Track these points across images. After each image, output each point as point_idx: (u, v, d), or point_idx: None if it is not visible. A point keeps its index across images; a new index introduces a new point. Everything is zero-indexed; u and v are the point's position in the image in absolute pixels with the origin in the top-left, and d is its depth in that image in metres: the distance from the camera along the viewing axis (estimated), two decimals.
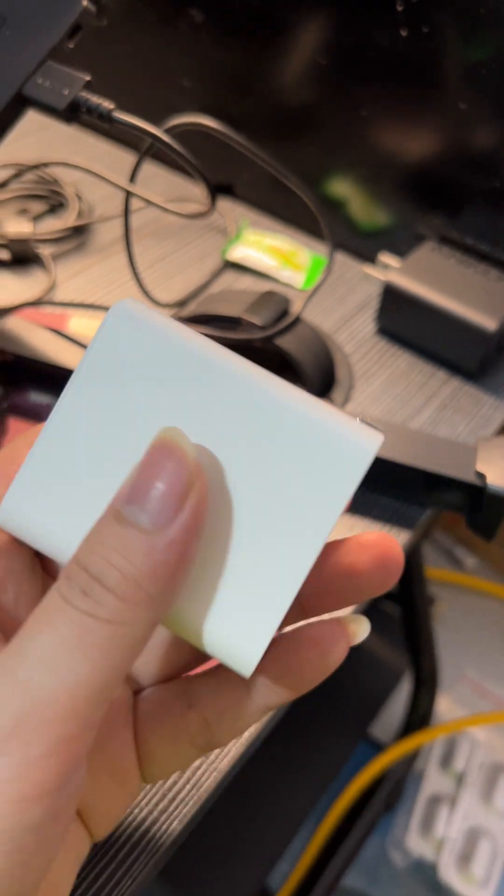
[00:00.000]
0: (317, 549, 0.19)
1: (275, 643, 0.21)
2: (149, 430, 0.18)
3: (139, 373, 0.19)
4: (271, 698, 0.22)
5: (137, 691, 0.24)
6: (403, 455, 0.40)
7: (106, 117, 0.38)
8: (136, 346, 0.19)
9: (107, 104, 0.38)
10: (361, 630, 0.21)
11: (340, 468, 0.19)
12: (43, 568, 0.23)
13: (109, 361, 0.19)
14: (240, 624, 0.19)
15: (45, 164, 0.54)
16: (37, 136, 0.65)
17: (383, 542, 0.21)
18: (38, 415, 0.44)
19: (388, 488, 0.42)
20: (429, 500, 0.42)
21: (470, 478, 0.40)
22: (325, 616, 0.22)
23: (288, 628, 0.22)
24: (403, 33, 0.48)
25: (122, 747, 0.23)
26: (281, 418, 0.19)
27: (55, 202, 0.58)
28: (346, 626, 0.21)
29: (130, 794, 0.24)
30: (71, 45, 0.40)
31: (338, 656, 0.21)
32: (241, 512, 0.19)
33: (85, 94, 0.38)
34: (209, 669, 0.23)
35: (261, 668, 0.21)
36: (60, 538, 0.20)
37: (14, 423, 0.43)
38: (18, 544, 0.21)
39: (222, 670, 0.22)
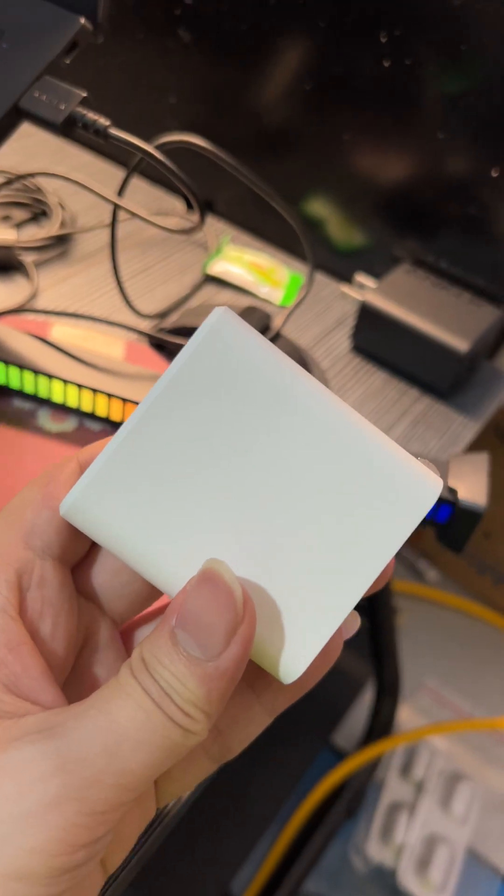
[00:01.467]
0: (372, 578, 0.20)
1: None
2: (231, 449, 0.19)
3: (230, 386, 0.19)
4: (278, 701, 0.23)
5: (124, 631, 0.24)
6: None
7: (102, 133, 0.39)
8: (231, 357, 0.19)
9: (103, 120, 0.39)
10: (354, 624, 0.22)
11: (407, 506, 0.20)
12: (80, 594, 0.23)
13: (203, 370, 0.19)
14: (292, 637, 0.21)
15: (33, 174, 0.55)
16: (19, 143, 0.65)
17: None
18: (21, 420, 0.44)
19: None
20: None
21: (443, 493, 0.42)
22: None
23: None
24: (386, 64, 0.50)
25: None
26: (357, 451, 0.20)
27: (38, 210, 0.59)
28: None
29: (146, 818, 0.24)
30: (68, 61, 0.41)
31: (335, 651, 0.22)
32: (305, 533, 0.20)
33: (81, 110, 0.39)
34: None
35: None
36: (130, 541, 0.20)
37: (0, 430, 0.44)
38: (58, 576, 0.21)
39: None
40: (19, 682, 0.20)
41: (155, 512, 0.20)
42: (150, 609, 0.25)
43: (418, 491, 0.20)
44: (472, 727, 0.81)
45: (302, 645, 0.21)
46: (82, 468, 0.22)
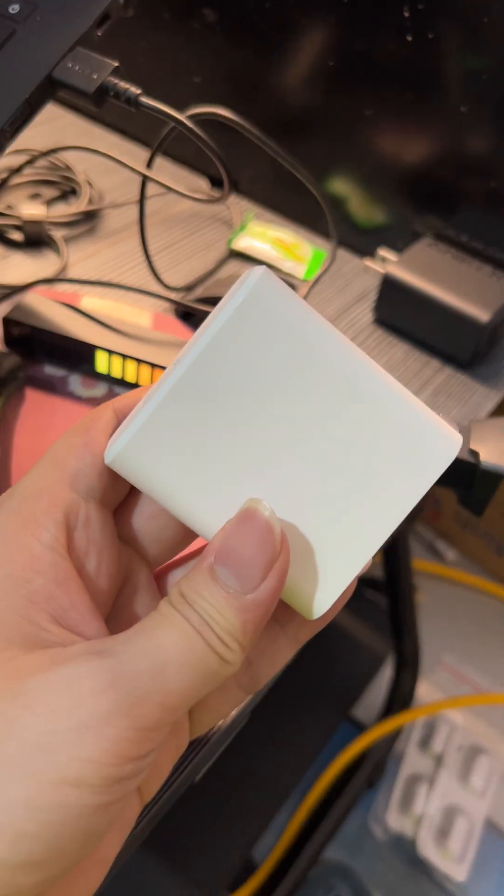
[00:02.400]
0: (394, 526, 0.22)
1: None
2: (268, 401, 0.20)
3: (270, 341, 0.20)
4: (301, 633, 0.25)
5: (157, 574, 0.26)
6: None
7: (133, 102, 0.40)
8: (273, 314, 0.20)
9: (134, 89, 0.40)
10: (368, 564, 0.23)
11: (429, 459, 0.22)
12: (121, 539, 0.24)
13: (245, 326, 0.20)
14: (319, 577, 0.22)
15: (60, 149, 0.56)
16: (49, 125, 0.67)
17: None
18: (53, 386, 0.46)
19: None
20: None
21: (464, 455, 0.42)
22: None
23: None
24: (409, 38, 0.51)
25: None
26: (385, 406, 0.21)
27: (67, 188, 0.60)
28: None
29: (180, 749, 0.25)
30: (99, 34, 0.43)
31: (351, 588, 0.23)
32: (334, 480, 0.22)
33: (113, 79, 0.40)
34: None
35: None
36: (170, 488, 0.21)
37: (31, 394, 0.45)
38: (100, 517, 0.23)
39: None
40: (66, 615, 0.21)
41: (195, 460, 0.21)
42: (182, 553, 0.26)
43: (440, 445, 0.22)
44: (490, 701, 0.82)
45: (328, 584, 0.22)
46: (119, 416, 0.23)
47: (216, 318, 0.20)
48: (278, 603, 0.23)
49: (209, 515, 0.21)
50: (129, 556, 0.25)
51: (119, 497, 0.24)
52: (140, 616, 0.24)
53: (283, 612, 0.24)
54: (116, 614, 0.24)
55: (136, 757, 0.18)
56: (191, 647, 0.19)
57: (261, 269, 0.20)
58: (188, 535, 0.25)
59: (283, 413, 0.21)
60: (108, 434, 0.23)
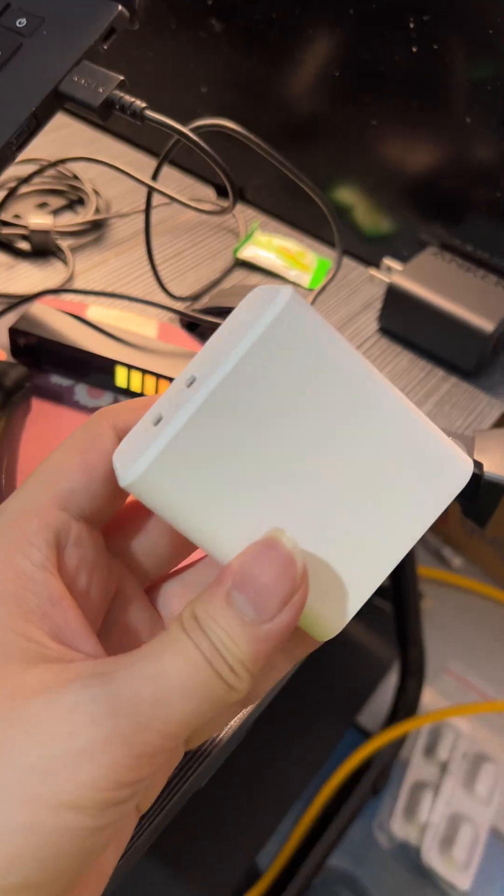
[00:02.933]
0: (405, 551, 0.22)
1: None
2: (289, 426, 0.20)
3: (294, 366, 0.20)
4: (298, 650, 0.25)
5: (149, 588, 0.26)
6: None
7: (138, 115, 0.40)
8: (299, 337, 0.20)
9: (139, 103, 0.40)
10: None
11: (442, 486, 0.22)
12: (111, 552, 0.25)
13: (273, 348, 0.19)
14: (331, 600, 0.22)
15: (67, 160, 0.57)
16: (54, 135, 0.67)
17: None
18: (60, 396, 0.46)
19: None
20: None
21: None
22: None
23: None
24: (414, 49, 0.51)
25: None
26: (404, 433, 0.22)
27: (74, 197, 0.61)
28: None
29: (175, 761, 0.25)
30: (105, 47, 0.43)
31: None
32: (351, 506, 0.22)
33: (119, 93, 0.40)
34: None
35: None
36: (188, 512, 0.21)
37: (37, 404, 0.46)
38: (91, 536, 0.23)
39: None
40: (61, 633, 0.21)
41: (215, 483, 0.20)
42: (175, 569, 0.26)
43: (453, 470, 0.22)
44: (495, 709, 0.82)
45: (340, 608, 0.22)
46: (118, 433, 0.23)
47: (244, 338, 0.19)
48: None
49: (226, 540, 0.21)
50: (118, 570, 0.25)
51: (110, 515, 0.24)
52: (130, 630, 0.25)
53: None
54: (108, 627, 0.24)
55: (131, 782, 0.18)
56: (196, 674, 0.19)
57: (289, 289, 0.20)
58: (180, 549, 0.26)
59: (305, 436, 0.21)
60: (105, 455, 0.22)
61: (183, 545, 0.26)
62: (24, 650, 0.19)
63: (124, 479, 0.20)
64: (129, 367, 0.45)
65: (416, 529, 0.22)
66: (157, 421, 0.20)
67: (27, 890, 0.17)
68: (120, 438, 0.23)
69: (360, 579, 0.22)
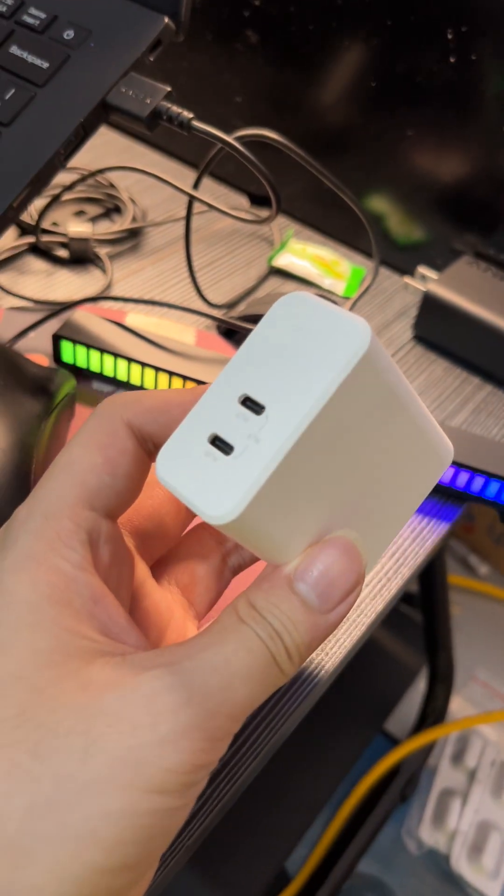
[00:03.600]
0: (405, 523, 0.26)
1: None
2: (346, 448, 0.21)
3: (366, 397, 0.21)
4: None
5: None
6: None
7: (186, 126, 0.41)
8: (371, 374, 0.20)
9: (186, 113, 0.41)
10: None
11: (438, 462, 0.25)
12: (138, 551, 0.26)
13: (351, 387, 0.20)
14: None
15: (108, 169, 0.57)
16: (90, 143, 0.68)
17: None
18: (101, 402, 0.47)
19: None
20: (465, 496, 0.45)
21: None
22: None
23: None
24: (452, 60, 0.51)
25: None
26: (425, 425, 0.24)
27: (110, 206, 0.61)
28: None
29: None
30: (152, 59, 0.44)
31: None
32: (376, 497, 0.24)
33: (166, 104, 0.41)
34: None
35: None
36: (261, 531, 0.21)
37: (80, 410, 0.46)
38: (117, 530, 0.23)
39: None
40: (108, 629, 0.22)
41: (289, 507, 0.21)
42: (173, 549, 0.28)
43: (445, 454, 0.25)
44: None
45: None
46: (133, 429, 0.23)
47: (328, 376, 0.20)
48: None
49: (287, 546, 0.22)
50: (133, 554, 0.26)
51: (128, 507, 0.24)
52: (153, 609, 0.26)
53: None
54: (132, 611, 0.26)
55: (206, 764, 0.19)
56: (257, 659, 0.20)
57: (365, 325, 0.20)
58: (181, 527, 0.28)
59: (359, 450, 0.22)
60: (126, 453, 0.23)
61: (183, 523, 0.28)
62: (81, 647, 0.20)
63: (217, 520, 0.20)
64: (171, 373, 0.46)
65: (414, 505, 0.26)
66: (214, 440, 0.21)
67: (127, 870, 0.18)
68: (135, 434, 0.23)
69: (372, 554, 0.25)
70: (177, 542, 0.28)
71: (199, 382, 0.46)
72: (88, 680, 0.19)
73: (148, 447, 0.23)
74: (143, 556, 0.26)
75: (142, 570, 0.26)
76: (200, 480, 0.21)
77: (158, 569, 0.27)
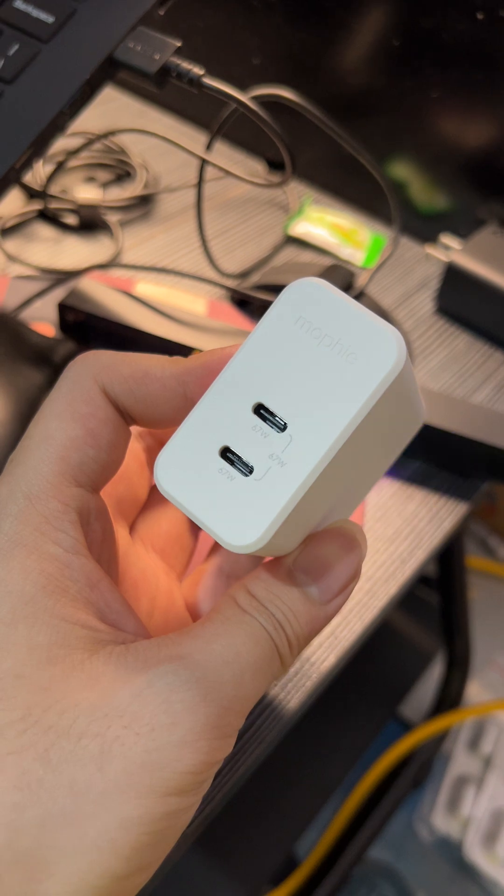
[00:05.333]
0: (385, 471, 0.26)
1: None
2: (354, 451, 0.20)
3: (383, 411, 0.19)
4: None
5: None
6: (464, 427, 0.41)
7: (196, 83, 0.39)
8: (395, 387, 0.19)
9: (197, 70, 0.39)
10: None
11: (411, 432, 0.24)
12: (115, 518, 0.25)
13: (375, 402, 0.19)
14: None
15: (117, 132, 0.55)
16: (102, 108, 0.66)
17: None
18: None
19: (446, 460, 0.43)
20: (486, 473, 0.43)
21: None
22: None
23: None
24: (480, 17, 0.49)
25: None
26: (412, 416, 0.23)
27: (121, 171, 0.59)
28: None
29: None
30: (161, 13, 0.41)
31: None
32: (363, 477, 0.24)
33: (175, 60, 0.39)
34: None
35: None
36: (273, 539, 0.20)
37: None
38: (102, 504, 0.22)
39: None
40: (105, 615, 0.20)
41: (300, 518, 0.20)
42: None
43: (422, 416, 0.24)
44: None
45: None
46: (108, 393, 0.21)
47: (352, 395, 0.18)
48: None
49: (290, 542, 0.21)
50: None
51: (110, 479, 0.22)
52: (139, 579, 0.25)
53: None
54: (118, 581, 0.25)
55: (218, 761, 0.19)
56: (263, 653, 0.19)
57: (399, 338, 0.19)
58: (147, 485, 0.26)
59: (365, 452, 0.21)
60: (106, 423, 0.21)
61: (148, 480, 0.26)
62: (81, 637, 0.19)
63: (242, 549, 0.19)
64: (181, 345, 0.44)
65: (389, 464, 0.25)
66: (225, 452, 0.19)
67: (143, 871, 0.18)
68: (110, 398, 0.21)
69: (345, 513, 0.24)
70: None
71: None
72: (95, 675, 0.18)
73: (124, 414, 0.21)
74: (120, 523, 0.25)
75: (124, 539, 0.25)
76: (216, 501, 0.19)
77: (132, 535, 0.26)
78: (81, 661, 0.18)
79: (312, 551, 0.21)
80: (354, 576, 0.21)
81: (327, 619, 0.21)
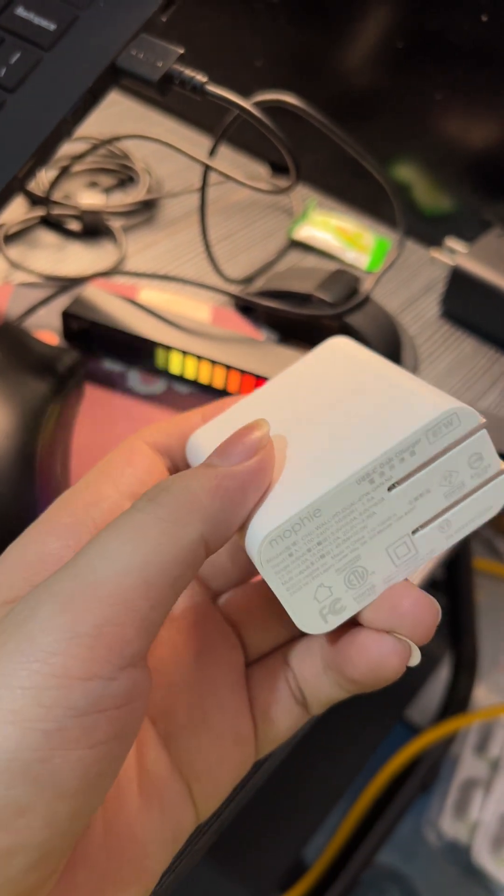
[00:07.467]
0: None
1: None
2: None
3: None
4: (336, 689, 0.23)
5: (216, 595, 0.27)
6: None
7: (199, 90, 0.38)
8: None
9: (200, 77, 0.38)
10: (413, 658, 0.21)
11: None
12: None
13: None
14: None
15: (120, 138, 0.55)
16: (105, 112, 0.65)
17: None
18: (112, 382, 0.45)
19: None
20: None
21: None
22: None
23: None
24: (484, 18, 0.48)
25: (239, 704, 0.24)
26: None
27: (124, 176, 0.59)
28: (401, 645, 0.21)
29: (244, 767, 0.24)
30: (164, 19, 0.41)
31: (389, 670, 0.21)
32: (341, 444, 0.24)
33: (178, 67, 0.39)
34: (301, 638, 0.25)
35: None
36: None
37: (90, 389, 0.44)
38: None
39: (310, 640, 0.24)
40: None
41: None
42: None
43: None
44: None
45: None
46: (158, 449, 0.25)
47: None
48: (331, 637, 0.22)
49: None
50: None
51: None
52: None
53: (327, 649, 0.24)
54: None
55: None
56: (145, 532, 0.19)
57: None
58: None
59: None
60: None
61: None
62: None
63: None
64: (185, 352, 0.44)
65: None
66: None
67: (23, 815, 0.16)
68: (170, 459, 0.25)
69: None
70: None
71: (215, 363, 0.43)
72: None
73: None
74: None
75: None
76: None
77: None
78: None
79: (225, 440, 0.22)
80: (256, 447, 0.21)
81: (235, 478, 0.20)
